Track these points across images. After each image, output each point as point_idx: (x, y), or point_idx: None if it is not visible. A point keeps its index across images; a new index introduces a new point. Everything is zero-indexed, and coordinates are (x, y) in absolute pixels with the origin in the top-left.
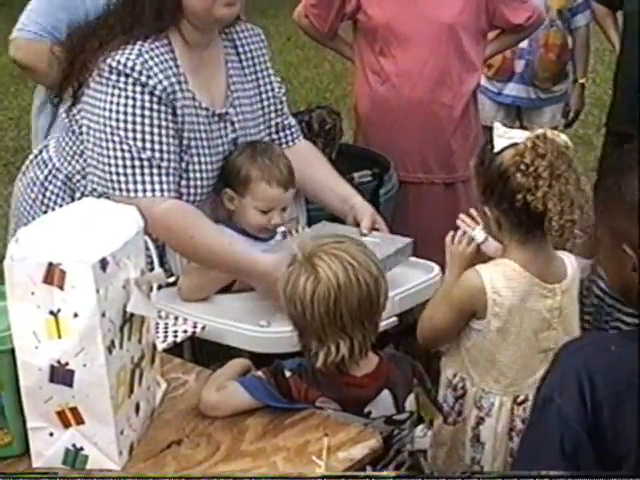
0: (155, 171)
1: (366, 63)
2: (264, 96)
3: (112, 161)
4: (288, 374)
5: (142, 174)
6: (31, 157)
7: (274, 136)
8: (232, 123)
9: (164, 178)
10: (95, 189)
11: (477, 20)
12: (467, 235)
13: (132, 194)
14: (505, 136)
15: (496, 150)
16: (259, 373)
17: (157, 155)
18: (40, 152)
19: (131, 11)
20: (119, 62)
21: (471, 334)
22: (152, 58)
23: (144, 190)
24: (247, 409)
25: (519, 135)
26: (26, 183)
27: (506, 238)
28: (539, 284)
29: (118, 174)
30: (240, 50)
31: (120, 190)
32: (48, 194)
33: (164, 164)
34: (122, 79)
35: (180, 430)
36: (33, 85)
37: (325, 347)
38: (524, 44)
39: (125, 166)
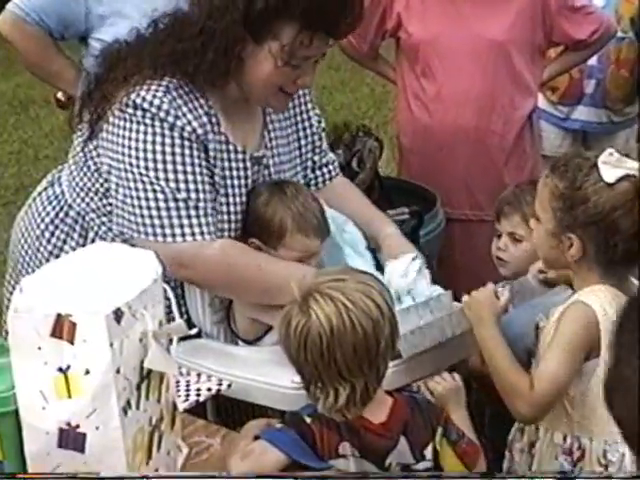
0: (193, 213)
1: (408, 86)
2: (302, 134)
3: (143, 203)
4: (309, 420)
5: (179, 217)
6: (39, 189)
7: (310, 175)
8: (267, 167)
9: (203, 220)
10: (110, 229)
11: (532, 36)
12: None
13: (170, 239)
14: (612, 164)
15: (606, 179)
16: (279, 425)
17: (193, 196)
18: (52, 184)
19: (175, 55)
20: (144, 99)
21: (581, 381)
22: (181, 96)
23: (183, 234)
24: (281, 468)
25: (631, 166)
26: (31, 217)
27: (588, 265)
28: None
29: (152, 217)
30: None
31: (155, 235)
32: (57, 232)
33: (201, 204)
34: (148, 115)
35: None
36: (35, 115)
37: (324, 392)
38: (593, 61)
39: (159, 208)
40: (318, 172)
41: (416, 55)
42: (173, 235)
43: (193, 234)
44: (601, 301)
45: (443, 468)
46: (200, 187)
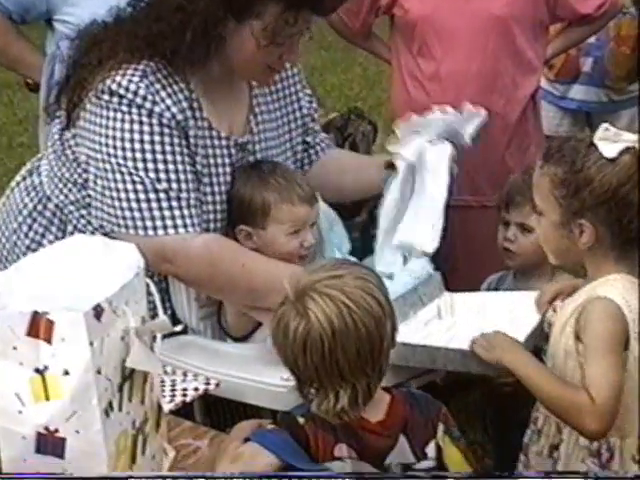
0: (175, 204)
1: (404, 66)
2: (291, 117)
3: (122, 195)
4: (302, 421)
5: (160, 208)
6: (18, 178)
7: (303, 155)
8: (253, 153)
9: (186, 211)
10: (90, 222)
11: (535, 11)
12: None
13: (151, 232)
14: (610, 140)
15: (607, 156)
16: (271, 427)
17: (174, 186)
18: (31, 174)
19: (151, 36)
20: (120, 85)
21: None
22: (159, 80)
23: (165, 227)
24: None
25: (628, 138)
26: (9, 208)
27: (602, 251)
28: None
29: (132, 209)
30: None
31: (136, 228)
32: (35, 225)
33: (184, 195)
34: (124, 102)
35: None
36: (9, 100)
37: (323, 394)
38: (590, 38)
39: (139, 200)
40: (311, 151)
41: (412, 32)
42: (154, 228)
43: (175, 227)
44: (620, 292)
45: (447, 467)
46: (182, 177)
